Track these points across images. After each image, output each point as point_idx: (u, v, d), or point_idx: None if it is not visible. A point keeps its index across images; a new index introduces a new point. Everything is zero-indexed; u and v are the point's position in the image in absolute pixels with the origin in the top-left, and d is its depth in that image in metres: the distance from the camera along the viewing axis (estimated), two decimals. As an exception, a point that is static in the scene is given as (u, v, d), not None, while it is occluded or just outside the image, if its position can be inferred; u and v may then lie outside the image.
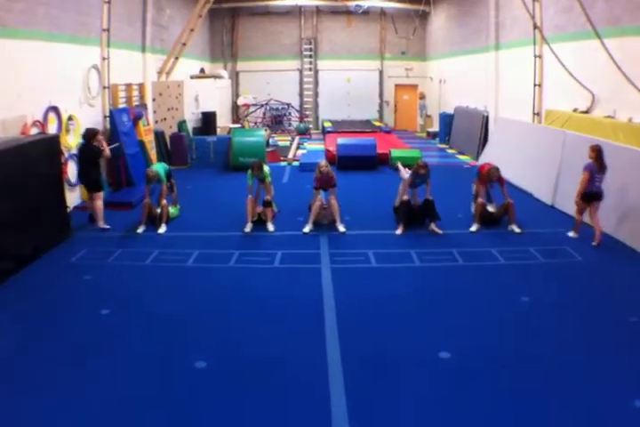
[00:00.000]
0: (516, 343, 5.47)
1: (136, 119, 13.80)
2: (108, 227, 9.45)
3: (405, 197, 9.48)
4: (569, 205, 10.07)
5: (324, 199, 9.68)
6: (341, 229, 9.26)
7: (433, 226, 9.20)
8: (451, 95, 21.71)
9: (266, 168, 9.67)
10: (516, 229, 9.08)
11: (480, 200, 9.44)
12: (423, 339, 5.59)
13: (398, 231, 9.17)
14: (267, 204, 9.54)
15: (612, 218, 8.76)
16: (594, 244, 8.39)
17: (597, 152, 8.44)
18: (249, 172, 9.55)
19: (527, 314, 6.17)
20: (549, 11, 12.90)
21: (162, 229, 9.34)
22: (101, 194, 9.55)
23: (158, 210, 9.61)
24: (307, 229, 9.26)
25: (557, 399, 4.47)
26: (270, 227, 9.38)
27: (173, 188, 10.40)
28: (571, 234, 8.94)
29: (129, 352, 5.34)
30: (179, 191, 10.79)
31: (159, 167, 10.09)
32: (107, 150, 9.76)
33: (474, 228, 9.25)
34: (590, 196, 8.48)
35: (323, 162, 9.76)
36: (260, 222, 9.48)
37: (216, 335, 5.70)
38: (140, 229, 9.29)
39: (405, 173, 10.06)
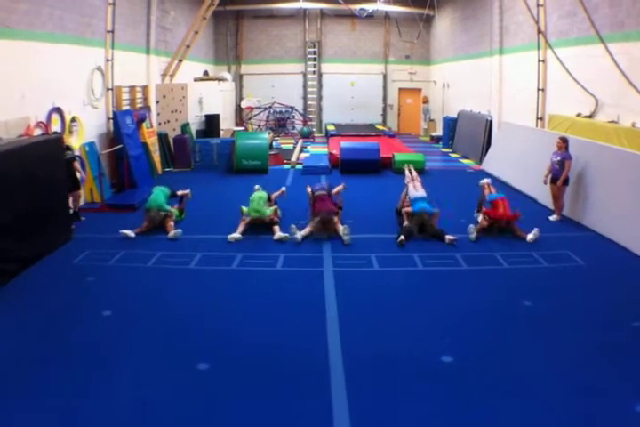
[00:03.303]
0: (518, 348, 5.45)
1: (139, 121, 13.83)
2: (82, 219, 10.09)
3: (407, 224, 9.11)
4: (573, 210, 10.09)
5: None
6: (346, 241, 8.76)
7: (447, 239, 8.75)
8: (454, 99, 21.72)
9: (268, 211, 9.39)
10: (531, 236, 8.76)
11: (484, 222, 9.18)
12: (426, 343, 5.58)
13: (401, 238, 8.93)
14: (272, 223, 9.34)
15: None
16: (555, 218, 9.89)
17: (567, 142, 9.66)
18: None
19: (529, 318, 6.14)
20: (553, 16, 12.91)
21: (172, 234, 9.12)
22: (76, 193, 9.99)
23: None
24: (299, 234, 8.94)
25: (559, 404, 4.45)
26: (280, 234, 8.99)
27: (183, 199, 10.34)
28: (553, 218, 9.96)
29: (131, 354, 5.34)
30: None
31: (159, 196, 9.60)
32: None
33: (473, 235, 8.99)
34: (568, 180, 9.65)
35: (312, 187, 9.68)
36: (264, 226, 9.40)
37: (218, 338, 5.69)
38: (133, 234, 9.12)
39: (409, 177, 10.02)
